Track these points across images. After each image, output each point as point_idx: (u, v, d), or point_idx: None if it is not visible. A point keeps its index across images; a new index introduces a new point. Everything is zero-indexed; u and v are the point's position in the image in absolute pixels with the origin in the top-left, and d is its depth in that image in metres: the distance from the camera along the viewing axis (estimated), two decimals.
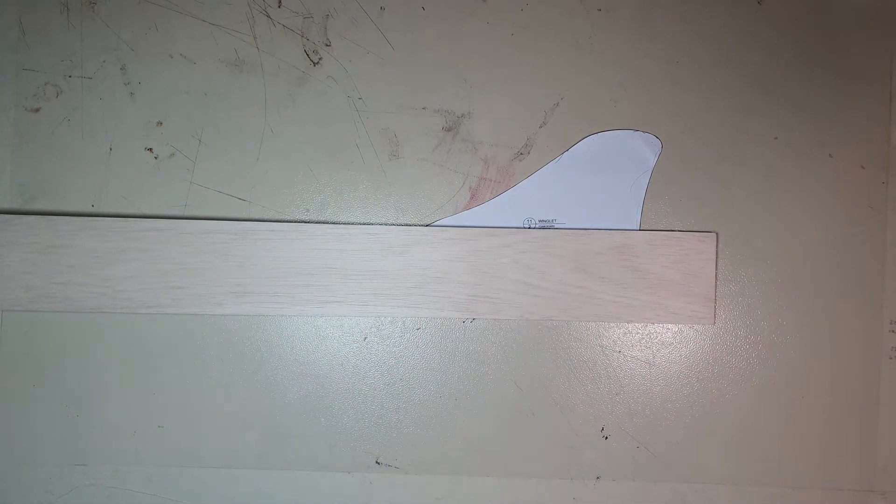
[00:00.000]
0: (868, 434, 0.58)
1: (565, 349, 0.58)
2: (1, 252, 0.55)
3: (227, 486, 0.57)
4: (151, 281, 0.56)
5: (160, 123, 0.57)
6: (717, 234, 0.58)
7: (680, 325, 0.58)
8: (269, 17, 0.57)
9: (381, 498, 0.58)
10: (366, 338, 0.57)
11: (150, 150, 0.57)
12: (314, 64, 0.58)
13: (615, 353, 0.58)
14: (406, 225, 0.57)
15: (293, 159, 0.57)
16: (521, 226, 0.58)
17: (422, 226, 0.57)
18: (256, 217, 0.57)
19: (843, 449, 0.58)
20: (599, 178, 0.58)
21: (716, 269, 0.57)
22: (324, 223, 0.57)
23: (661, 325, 0.58)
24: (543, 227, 0.57)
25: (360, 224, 0.57)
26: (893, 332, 0.58)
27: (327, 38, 0.58)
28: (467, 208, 0.58)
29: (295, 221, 0.57)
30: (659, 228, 0.58)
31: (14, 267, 0.55)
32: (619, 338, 0.58)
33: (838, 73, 0.59)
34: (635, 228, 0.57)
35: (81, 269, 0.55)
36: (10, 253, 0.55)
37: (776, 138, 0.58)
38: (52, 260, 0.55)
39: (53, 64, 0.57)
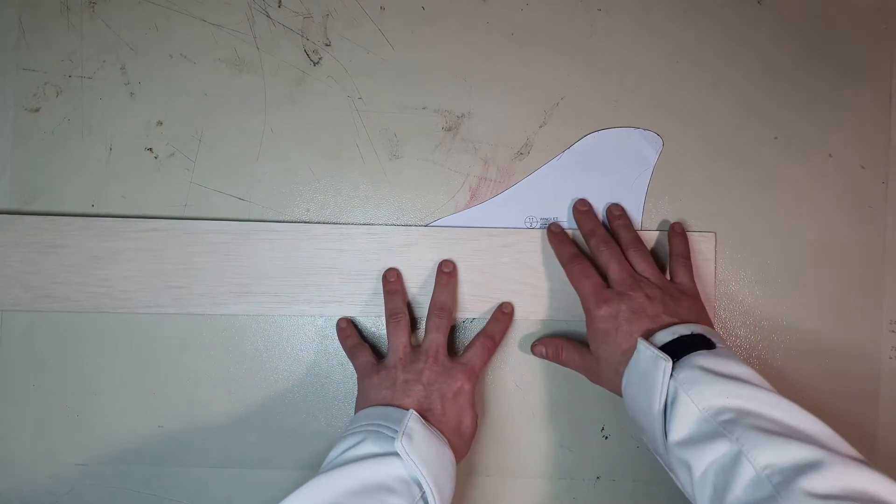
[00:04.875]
0: (868, 434, 0.58)
1: None
2: (2, 252, 0.55)
3: (227, 486, 0.57)
4: (152, 281, 0.56)
5: (160, 123, 0.57)
6: (715, 234, 0.58)
7: None
8: (268, 16, 0.57)
9: None
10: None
11: (150, 150, 0.57)
12: (314, 64, 0.58)
13: None
14: (406, 225, 0.57)
15: (293, 159, 0.57)
16: (523, 224, 0.57)
17: (422, 226, 0.57)
18: (256, 217, 0.57)
19: None
20: (601, 177, 0.58)
21: (715, 269, 0.57)
22: (324, 223, 0.57)
23: None
24: (545, 227, 0.57)
25: (360, 224, 0.57)
26: (893, 332, 0.58)
27: (327, 38, 0.58)
28: (467, 208, 0.58)
29: (295, 222, 0.57)
30: (659, 228, 0.58)
31: (15, 267, 0.55)
32: None
33: (838, 73, 0.59)
34: (636, 227, 0.57)
35: (82, 269, 0.55)
36: (10, 253, 0.55)
37: (776, 138, 0.58)
38: (52, 260, 0.55)
39: (53, 64, 0.57)
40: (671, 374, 0.43)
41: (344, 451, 0.45)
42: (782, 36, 0.59)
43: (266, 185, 0.57)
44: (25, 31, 0.57)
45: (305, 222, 0.57)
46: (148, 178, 0.57)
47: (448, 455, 0.47)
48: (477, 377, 0.53)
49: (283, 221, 0.57)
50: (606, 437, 0.58)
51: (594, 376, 0.52)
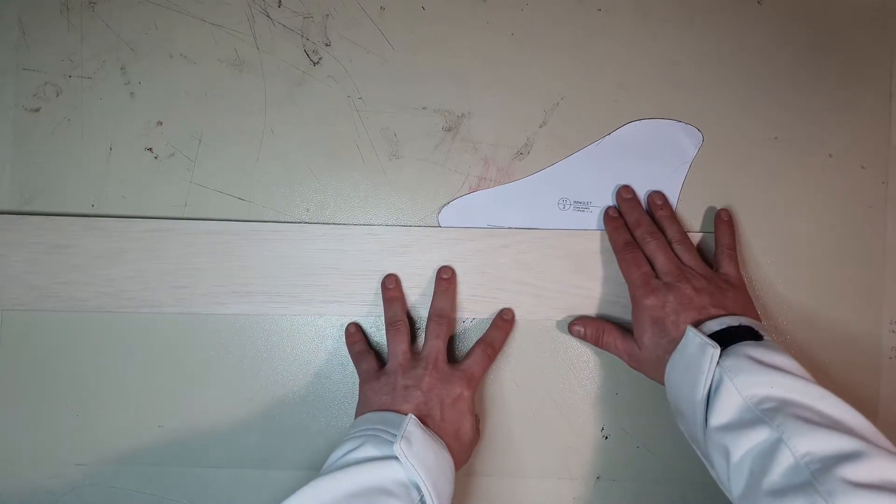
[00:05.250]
0: None
1: (565, 349, 0.58)
2: (5, 252, 0.55)
3: (227, 486, 0.57)
4: (154, 281, 0.56)
5: (160, 123, 0.57)
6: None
7: None
8: (268, 16, 0.57)
9: None
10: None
11: (150, 150, 0.57)
12: (314, 64, 0.58)
13: None
14: (406, 226, 0.57)
15: (293, 159, 0.57)
16: (556, 206, 0.57)
17: (423, 226, 0.57)
18: (256, 217, 0.57)
19: None
20: (637, 165, 0.58)
21: None
22: (325, 224, 0.57)
23: None
24: (577, 209, 0.57)
25: (360, 225, 0.57)
26: (893, 332, 0.58)
27: (327, 38, 0.58)
28: (501, 184, 0.57)
29: (297, 223, 0.57)
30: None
31: (18, 267, 0.55)
32: None
33: (838, 73, 0.59)
34: None
35: (85, 269, 0.55)
36: (14, 253, 0.55)
37: (776, 138, 0.59)
38: (55, 260, 0.55)
39: (53, 64, 0.57)
40: (717, 362, 0.44)
41: (343, 455, 0.45)
42: (782, 36, 0.59)
43: (266, 185, 0.57)
44: (25, 31, 0.57)
45: (307, 223, 0.57)
46: (148, 178, 0.57)
47: (447, 459, 0.47)
48: (476, 384, 0.53)
49: (284, 222, 0.57)
50: (606, 437, 0.58)
51: (635, 362, 0.53)
